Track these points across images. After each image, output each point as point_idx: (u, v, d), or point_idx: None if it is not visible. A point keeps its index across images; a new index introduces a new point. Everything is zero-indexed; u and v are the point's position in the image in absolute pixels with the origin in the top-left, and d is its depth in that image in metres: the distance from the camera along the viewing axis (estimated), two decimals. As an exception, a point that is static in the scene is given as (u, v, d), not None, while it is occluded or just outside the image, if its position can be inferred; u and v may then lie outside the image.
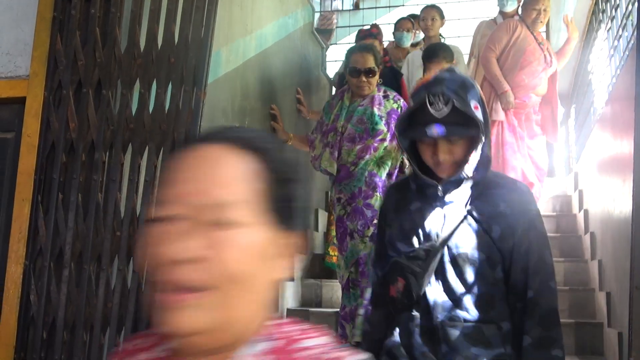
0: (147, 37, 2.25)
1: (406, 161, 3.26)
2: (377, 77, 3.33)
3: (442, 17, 4.82)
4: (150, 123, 2.19)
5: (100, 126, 2.23)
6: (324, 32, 6.28)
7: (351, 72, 3.33)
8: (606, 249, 3.84)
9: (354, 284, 3.21)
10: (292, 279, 4.30)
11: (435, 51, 3.86)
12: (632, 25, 3.99)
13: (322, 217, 4.89)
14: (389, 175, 3.29)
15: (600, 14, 5.02)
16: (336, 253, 3.72)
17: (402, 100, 3.41)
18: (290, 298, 4.15)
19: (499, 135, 4.46)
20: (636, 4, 3.81)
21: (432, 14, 4.80)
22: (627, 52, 4.00)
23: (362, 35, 4.44)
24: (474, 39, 5.10)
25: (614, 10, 4.52)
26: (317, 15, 6.49)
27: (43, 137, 2.27)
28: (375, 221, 2.93)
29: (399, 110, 3.32)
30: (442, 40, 5.08)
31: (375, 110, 3.28)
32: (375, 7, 8.18)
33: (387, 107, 3.33)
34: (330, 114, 3.42)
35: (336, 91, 3.62)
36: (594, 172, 4.44)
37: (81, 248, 2.18)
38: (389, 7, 7.97)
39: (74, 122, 2.26)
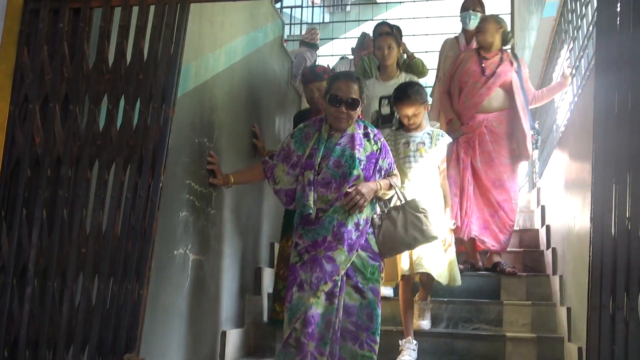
0: (116, 52, 2.26)
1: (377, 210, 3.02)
2: (358, 110, 2.98)
3: (398, 44, 4.55)
4: (118, 139, 2.20)
5: (66, 141, 2.23)
6: (311, 46, 6.30)
7: (331, 99, 2.94)
8: (567, 264, 3.95)
9: (297, 343, 2.74)
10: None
11: (406, 92, 3.65)
12: (592, 45, 4.13)
13: (267, 275, 4.40)
14: (356, 225, 2.88)
15: (563, 34, 5.18)
16: (283, 309, 3.15)
17: (382, 139, 3.09)
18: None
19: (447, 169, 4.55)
20: (595, 25, 3.95)
21: (388, 42, 4.50)
22: (587, 73, 4.13)
23: (306, 80, 3.99)
24: (439, 59, 5.21)
25: (575, 31, 4.67)
26: (287, 28, 6.56)
27: (8, 151, 2.26)
28: (334, 277, 2.75)
29: (378, 152, 3.00)
30: (403, 59, 5.12)
31: (356, 152, 2.92)
32: (345, 21, 8.30)
33: (367, 150, 2.97)
34: (306, 146, 3.00)
35: (311, 118, 3.17)
36: (556, 189, 4.56)
37: (45, 264, 2.17)
38: (358, 21, 8.06)
39: (40, 136, 2.25)
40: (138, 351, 2.03)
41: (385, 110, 4.34)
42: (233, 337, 3.81)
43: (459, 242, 4.42)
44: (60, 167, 2.23)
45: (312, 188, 2.91)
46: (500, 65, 4.45)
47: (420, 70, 4.85)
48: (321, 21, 9.30)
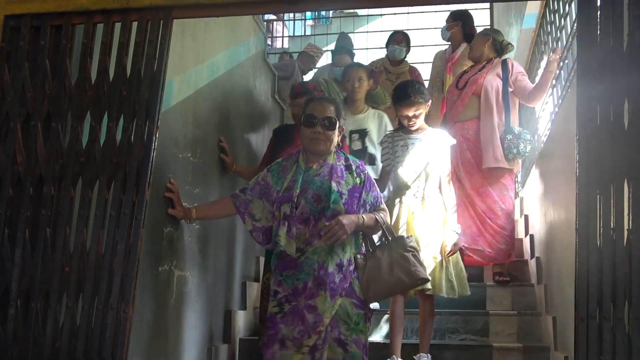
0: (99, 69, 2.25)
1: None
2: (336, 132, 2.74)
3: (369, 77, 4.38)
4: (102, 156, 2.18)
5: (49, 159, 2.21)
6: (310, 58, 6.21)
7: (305, 120, 2.74)
8: (551, 274, 3.97)
9: None
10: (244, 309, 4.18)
11: (406, 91, 3.43)
12: (572, 56, 4.18)
13: (252, 289, 4.33)
14: (338, 266, 2.61)
15: (542, 46, 5.24)
16: None
17: (366, 171, 2.83)
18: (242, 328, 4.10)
19: None
20: (576, 37, 4.00)
21: (359, 73, 4.28)
22: (568, 84, 4.18)
23: (295, 93, 3.79)
24: (431, 72, 5.33)
25: (555, 42, 4.72)
26: (269, 40, 6.55)
27: (-11, 170, 2.22)
28: (319, 329, 2.49)
29: (362, 186, 2.74)
30: (402, 58, 5.21)
31: (334, 185, 2.66)
32: (327, 34, 8.33)
33: (348, 183, 2.72)
34: (283, 180, 2.75)
35: (293, 134, 3.01)
36: (539, 199, 4.59)
37: (28, 285, 2.13)
38: (339, 33, 8.07)
39: (22, 155, 2.22)
40: (124, 372, 2.00)
41: (357, 145, 4.15)
42: (222, 353, 3.78)
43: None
44: (42, 186, 2.20)
45: (286, 223, 2.63)
46: (477, 74, 4.50)
47: (383, 100, 4.69)
48: (302, 34, 9.32)
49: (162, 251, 3.05)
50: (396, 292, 2.93)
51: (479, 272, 4.72)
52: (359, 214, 2.69)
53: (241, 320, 4.13)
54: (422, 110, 3.45)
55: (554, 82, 4.58)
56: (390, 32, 5.48)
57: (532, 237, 4.83)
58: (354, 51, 5.85)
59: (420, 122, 3.46)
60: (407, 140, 3.47)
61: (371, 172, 4.00)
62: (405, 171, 3.42)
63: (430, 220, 3.34)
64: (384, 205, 2.86)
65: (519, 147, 4.37)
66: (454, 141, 3.56)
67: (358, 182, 2.75)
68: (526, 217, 5.17)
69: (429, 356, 3.38)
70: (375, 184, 2.86)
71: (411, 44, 5.42)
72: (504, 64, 4.56)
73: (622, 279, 1.84)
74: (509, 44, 4.71)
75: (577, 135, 1.98)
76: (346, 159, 2.82)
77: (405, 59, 5.30)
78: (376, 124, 4.25)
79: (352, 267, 2.66)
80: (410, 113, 3.41)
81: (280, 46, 8.74)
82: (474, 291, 4.43)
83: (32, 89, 2.27)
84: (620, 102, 1.95)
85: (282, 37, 8.79)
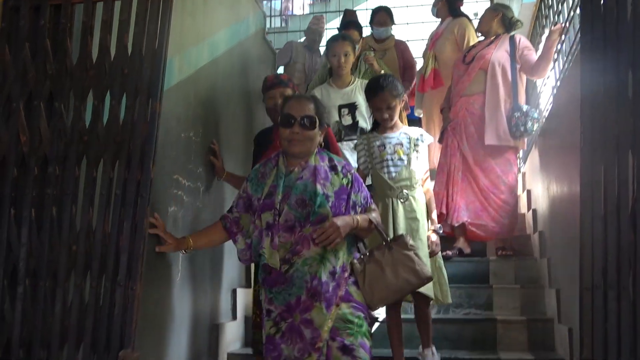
0: (100, 48, 2.24)
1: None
2: (316, 132, 2.53)
3: (354, 48, 4.18)
4: (105, 135, 2.18)
5: (52, 139, 2.21)
6: (313, 31, 6.00)
7: (283, 120, 2.53)
8: (555, 247, 3.98)
9: None
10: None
11: (379, 84, 3.26)
12: (574, 30, 4.15)
13: (243, 296, 4.11)
14: (331, 274, 2.42)
15: (544, 20, 5.20)
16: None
17: (353, 170, 2.63)
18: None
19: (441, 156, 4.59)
20: (578, 9, 3.97)
21: (345, 48, 4.09)
22: (570, 57, 4.16)
23: (270, 84, 3.55)
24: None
25: (556, 16, 4.69)
26: (268, 20, 6.47)
27: (-7, 151, 2.22)
28: (318, 345, 2.33)
29: (349, 186, 2.54)
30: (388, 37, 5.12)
31: (319, 188, 2.45)
32: (325, 12, 8.26)
33: (334, 184, 2.51)
34: (263, 185, 2.54)
35: (267, 159, 2.68)
36: (541, 174, 4.59)
37: (36, 264, 2.14)
38: (339, 11, 8.01)
39: (25, 135, 2.22)
40: (133, 348, 2.02)
41: (347, 120, 4.06)
42: (228, 330, 3.81)
43: (447, 227, 4.47)
44: (47, 166, 2.20)
45: (270, 233, 2.44)
46: (485, 49, 4.48)
47: (386, 69, 4.52)
48: (301, 13, 9.25)
49: (168, 230, 3.06)
50: (404, 295, 2.71)
51: (482, 247, 4.74)
52: (352, 215, 2.51)
53: (248, 296, 4.15)
54: (397, 105, 3.26)
55: (555, 56, 4.56)
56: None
57: (534, 211, 4.84)
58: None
59: (395, 117, 3.29)
60: (383, 140, 3.29)
61: None
62: (386, 172, 3.25)
63: (414, 221, 3.18)
64: (374, 205, 2.71)
65: (526, 125, 4.36)
66: (432, 139, 3.41)
67: (345, 183, 2.54)
68: (528, 192, 5.18)
69: (434, 349, 3.27)
70: (363, 184, 2.68)
71: (394, 18, 5.33)
72: (512, 40, 4.53)
73: (627, 248, 1.84)
74: (518, 20, 4.68)
75: (580, 107, 1.98)
76: (330, 159, 2.61)
77: (391, 34, 5.23)
78: (364, 95, 3.97)
79: (346, 274, 2.47)
80: (384, 106, 3.23)
81: (279, 25, 8.67)
82: (477, 266, 4.46)
83: (33, 69, 2.26)
84: (624, 73, 1.94)
85: (281, 15, 8.72)
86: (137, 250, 2.05)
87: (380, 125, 3.33)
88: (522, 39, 4.56)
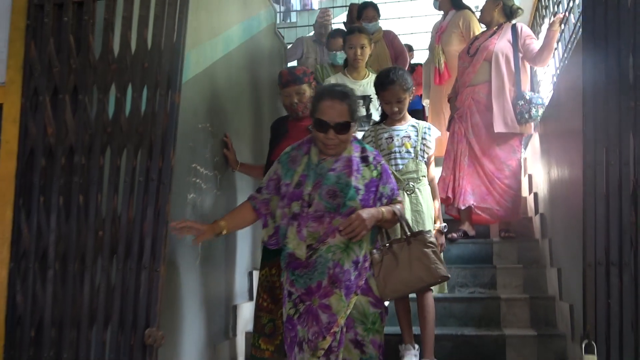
0: (121, 43, 2.23)
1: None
2: (351, 133, 2.43)
3: (370, 41, 4.06)
4: (127, 126, 2.18)
5: (78, 130, 2.21)
6: (320, 25, 5.94)
7: (317, 124, 2.40)
8: (556, 229, 3.97)
9: None
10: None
11: (389, 76, 3.10)
12: (574, 19, 4.11)
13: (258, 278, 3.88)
14: (354, 263, 2.36)
15: (543, 10, 5.15)
16: (269, 347, 3.01)
17: (383, 161, 2.53)
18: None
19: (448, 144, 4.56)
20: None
21: (362, 40, 3.99)
22: (569, 45, 4.12)
23: (284, 82, 3.29)
24: (429, 44, 5.28)
25: (556, 6, 4.64)
26: (278, 15, 6.44)
27: (22, 142, 2.24)
28: (334, 329, 2.27)
29: (379, 179, 2.45)
30: (376, 30, 4.97)
31: (352, 180, 2.37)
32: (333, 7, 8.21)
33: (365, 177, 2.42)
34: (292, 172, 2.44)
35: (288, 126, 2.65)
36: (542, 158, 4.56)
37: (65, 248, 2.16)
38: (345, 6, 7.98)
39: (52, 127, 2.23)
40: (158, 326, 2.03)
41: (361, 112, 3.82)
42: (244, 310, 3.83)
43: (454, 210, 4.46)
44: (73, 156, 2.21)
45: (295, 222, 2.36)
46: (488, 40, 4.44)
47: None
48: (309, 7, 9.21)
49: (187, 216, 3.07)
50: (414, 290, 2.64)
51: (486, 230, 4.73)
52: (378, 207, 2.43)
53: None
54: (406, 98, 3.12)
55: (556, 44, 4.52)
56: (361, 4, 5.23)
57: (535, 195, 4.82)
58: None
59: (404, 109, 3.14)
60: (391, 132, 3.14)
61: None
62: (393, 164, 3.09)
63: (419, 214, 3.06)
64: (400, 197, 2.60)
65: (530, 111, 4.33)
66: (439, 133, 3.27)
67: (375, 175, 2.45)
68: (530, 176, 5.16)
69: None
70: (391, 175, 2.57)
71: (380, 11, 5.25)
72: (514, 29, 4.49)
73: (628, 227, 1.83)
74: (519, 8, 4.62)
75: (583, 90, 1.96)
76: (363, 150, 2.50)
77: (379, 26, 5.16)
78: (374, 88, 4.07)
79: (367, 264, 2.41)
80: (394, 99, 3.08)
81: (289, 20, 8.64)
82: (481, 247, 4.45)
83: (58, 64, 2.26)
84: (625, 58, 1.92)
85: (290, 11, 8.68)
86: (160, 234, 2.06)
87: (388, 117, 3.22)
88: (523, 28, 4.51)
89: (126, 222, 2.11)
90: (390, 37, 5.14)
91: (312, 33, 6.16)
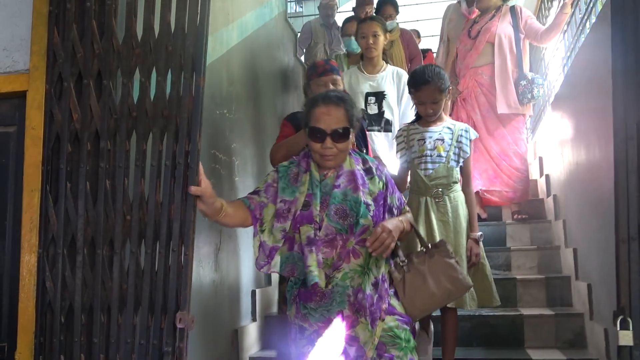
0: (144, 27, 2.18)
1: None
2: (350, 141, 2.16)
3: (385, 30, 3.76)
4: (153, 110, 2.13)
5: (103, 115, 2.16)
6: (327, 8, 5.76)
7: (311, 134, 2.14)
8: (570, 209, 3.92)
9: None
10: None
11: (424, 75, 2.80)
12: (584, 2, 4.05)
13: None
14: (374, 285, 2.10)
15: (552, -7, 5.07)
16: None
17: (385, 169, 2.27)
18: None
19: None
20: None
21: (374, 28, 3.69)
22: (580, 27, 4.05)
23: (322, 70, 2.95)
24: (443, 23, 5.16)
25: (566, -12, 4.56)
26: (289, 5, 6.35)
27: (47, 128, 2.19)
28: None
29: (385, 189, 2.19)
30: (393, 28, 4.70)
31: (361, 195, 2.10)
32: (339, -4, 8.10)
33: (372, 191, 2.16)
34: (295, 190, 2.14)
35: (297, 159, 2.26)
36: (554, 140, 4.50)
37: (93, 234, 2.11)
38: (352, -5, 7.86)
39: (77, 112, 2.18)
40: (189, 310, 1.99)
41: (373, 109, 3.68)
42: (263, 295, 3.80)
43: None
44: (99, 141, 2.16)
45: (314, 249, 2.06)
46: (489, 22, 4.40)
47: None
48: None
49: (208, 202, 3.03)
50: (444, 304, 2.40)
51: (497, 212, 4.69)
52: (397, 217, 2.19)
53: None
54: (442, 99, 2.84)
55: (565, 27, 4.46)
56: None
57: (547, 176, 4.77)
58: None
59: (439, 111, 2.86)
60: (424, 134, 2.87)
61: (386, 140, 3.63)
62: (423, 169, 2.85)
63: (445, 225, 2.80)
64: (408, 207, 2.35)
65: (532, 92, 4.32)
66: (477, 134, 3.00)
67: (381, 187, 2.19)
68: (540, 159, 5.10)
69: None
70: (395, 185, 2.32)
71: (399, 7, 5.09)
72: (513, 10, 4.47)
73: (662, 201, 1.78)
74: None
75: (612, 66, 1.90)
76: (364, 161, 2.23)
77: (396, 25, 4.96)
78: (394, 84, 3.71)
79: (386, 284, 2.15)
80: (429, 100, 2.80)
81: (294, 10, 8.55)
82: (494, 230, 4.41)
83: (81, 50, 2.21)
84: (655, 31, 1.86)
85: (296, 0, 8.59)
86: (188, 217, 2.01)
87: (422, 117, 2.94)
88: (522, 9, 4.52)
89: (154, 206, 2.06)
90: (407, 38, 4.98)
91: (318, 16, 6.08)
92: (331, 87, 2.85)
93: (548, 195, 4.66)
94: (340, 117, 2.13)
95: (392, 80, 3.71)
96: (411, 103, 3.08)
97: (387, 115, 3.68)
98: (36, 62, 2.24)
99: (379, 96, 3.69)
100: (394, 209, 2.22)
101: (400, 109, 3.67)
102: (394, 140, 3.23)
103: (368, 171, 2.20)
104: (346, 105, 2.16)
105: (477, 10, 4.75)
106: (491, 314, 3.51)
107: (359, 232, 2.09)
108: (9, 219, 2.29)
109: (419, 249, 2.36)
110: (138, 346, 2.02)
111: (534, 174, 5.25)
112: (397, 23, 5.00)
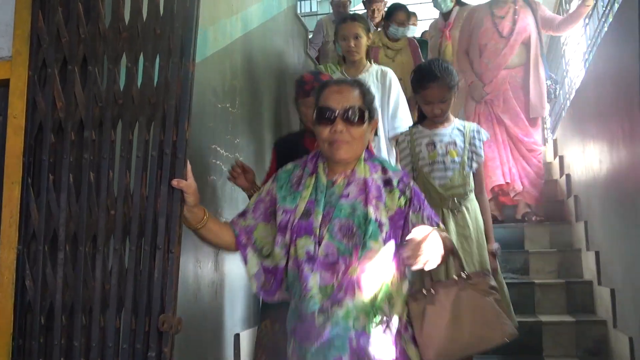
0: (132, 10, 2.03)
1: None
2: (366, 127, 1.82)
3: (368, 30, 3.46)
4: (140, 97, 1.98)
5: (88, 104, 2.02)
6: (340, 5, 5.61)
7: (320, 115, 1.81)
8: (593, 210, 3.70)
9: None
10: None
11: (432, 70, 2.53)
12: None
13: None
14: (384, 327, 1.70)
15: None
16: None
17: (412, 183, 1.83)
18: None
19: None
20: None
21: (355, 30, 3.37)
22: (603, 20, 3.84)
23: (309, 89, 2.57)
24: (429, 43, 5.18)
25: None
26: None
27: (30, 117, 2.05)
28: None
29: (408, 205, 1.77)
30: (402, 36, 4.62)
31: (371, 211, 1.71)
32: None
33: (389, 207, 1.75)
34: (297, 196, 1.81)
35: (304, 159, 1.95)
36: (575, 139, 4.30)
37: (75, 229, 1.97)
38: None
39: (61, 100, 2.04)
40: (174, 311, 1.83)
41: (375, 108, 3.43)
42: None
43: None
44: (83, 131, 2.01)
45: (314, 267, 1.70)
46: (518, 22, 4.25)
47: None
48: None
49: (207, 199, 2.89)
50: (471, 353, 1.87)
51: (513, 213, 4.51)
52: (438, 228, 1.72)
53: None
54: (452, 97, 2.56)
55: (586, 20, 4.28)
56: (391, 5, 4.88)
57: (568, 176, 4.55)
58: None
59: (447, 110, 2.58)
60: (433, 137, 2.58)
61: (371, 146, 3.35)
62: (436, 177, 2.56)
63: (467, 240, 2.52)
64: (443, 225, 1.89)
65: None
66: (488, 135, 2.73)
67: (403, 202, 1.77)
68: (561, 158, 4.88)
69: None
70: (424, 199, 1.84)
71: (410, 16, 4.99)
72: (528, 4, 4.32)
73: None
74: None
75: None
76: (384, 170, 1.82)
77: (405, 33, 4.84)
78: (378, 84, 3.35)
79: (401, 325, 1.74)
80: (436, 99, 2.52)
81: (309, 10, 8.42)
82: (512, 232, 4.20)
83: (67, 34, 2.07)
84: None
85: None
86: (175, 212, 1.85)
87: (427, 118, 2.65)
88: (539, 5, 4.38)
89: (139, 200, 1.91)
90: (413, 46, 4.84)
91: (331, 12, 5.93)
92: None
93: (569, 196, 4.45)
94: (355, 95, 1.80)
95: (375, 79, 3.37)
96: (402, 100, 2.83)
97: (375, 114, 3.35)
98: (19, 47, 2.11)
99: None
100: None
101: (389, 108, 3.29)
102: (388, 146, 3.02)
103: (387, 182, 1.79)
104: (362, 88, 1.85)
105: (452, 20, 4.72)
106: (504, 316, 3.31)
107: (365, 258, 1.69)
108: (-6, 214, 2.16)
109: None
110: (121, 350, 1.87)
111: (553, 174, 5.04)
112: (406, 32, 4.79)
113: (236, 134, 3.31)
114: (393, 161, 3.01)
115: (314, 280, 1.69)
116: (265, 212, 1.87)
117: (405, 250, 1.58)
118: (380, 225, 1.71)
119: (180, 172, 1.85)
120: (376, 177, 1.79)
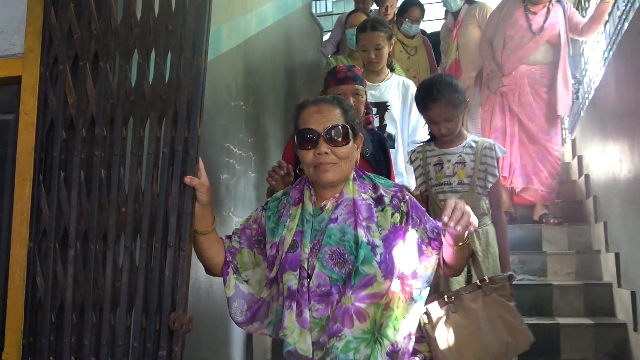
0: (143, 5, 2.01)
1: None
2: (351, 146, 1.73)
3: (389, 37, 3.26)
4: (151, 93, 1.96)
5: (99, 100, 2.00)
6: (358, 2, 5.56)
7: (301, 138, 1.73)
8: (613, 211, 3.62)
9: None
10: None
11: (434, 89, 2.36)
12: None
13: None
14: (390, 355, 1.58)
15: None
16: None
17: (407, 196, 1.73)
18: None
19: (487, 122, 4.28)
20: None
21: (376, 40, 3.16)
22: (623, 17, 3.76)
23: (342, 77, 2.56)
24: (441, 45, 5.15)
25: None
26: None
27: (41, 114, 2.04)
28: None
29: (404, 222, 1.66)
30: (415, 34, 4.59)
31: (361, 234, 1.62)
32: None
33: (383, 226, 1.65)
34: (282, 227, 1.73)
35: (291, 187, 1.89)
36: (594, 139, 4.21)
37: (86, 226, 1.95)
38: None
39: (73, 97, 2.02)
40: (185, 310, 1.81)
41: (374, 122, 3.10)
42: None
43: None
44: (94, 127, 1.99)
45: (295, 303, 1.60)
46: (548, 19, 4.18)
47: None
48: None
49: (220, 197, 2.86)
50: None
51: (529, 213, 4.43)
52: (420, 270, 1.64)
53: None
54: (458, 115, 2.37)
55: (607, 17, 4.19)
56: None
57: (587, 177, 4.46)
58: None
59: (455, 130, 2.40)
60: (441, 157, 2.44)
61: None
62: (443, 199, 2.39)
63: (484, 268, 2.18)
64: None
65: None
66: (505, 151, 2.60)
67: (397, 220, 1.66)
68: (579, 158, 4.79)
69: None
70: (425, 211, 1.74)
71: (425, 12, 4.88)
72: (561, 4, 4.26)
73: None
74: None
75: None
76: (375, 187, 1.73)
77: (419, 30, 4.77)
78: (400, 95, 3.22)
79: (411, 345, 1.61)
80: (441, 118, 2.36)
81: (324, 10, 8.37)
82: (529, 232, 4.12)
83: (78, 30, 2.05)
84: None
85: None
86: (186, 209, 1.83)
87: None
88: (570, 7, 4.31)
89: (150, 198, 1.89)
90: (427, 46, 4.78)
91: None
92: (351, 100, 2.45)
93: (588, 196, 4.36)
94: (336, 115, 1.71)
95: (397, 89, 3.22)
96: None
97: (390, 129, 3.14)
98: (31, 44, 2.10)
99: (381, 107, 3.18)
100: (423, 246, 1.67)
101: (410, 124, 3.18)
102: (404, 160, 2.85)
103: (379, 201, 1.68)
104: (343, 105, 1.75)
105: (460, 19, 4.65)
106: (525, 322, 3.24)
107: (360, 285, 1.57)
108: (6, 210, 2.15)
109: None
110: (131, 349, 1.85)
111: (572, 174, 4.95)
112: (419, 29, 4.75)
113: (249, 133, 3.28)
114: (412, 177, 2.81)
115: (289, 318, 1.60)
116: (250, 239, 1.83)
117: (443, 217, 1.51)
118: (373, 248, 1.60)
119: (192, 169, 1.82)
120: (366, 197, 1.70)
